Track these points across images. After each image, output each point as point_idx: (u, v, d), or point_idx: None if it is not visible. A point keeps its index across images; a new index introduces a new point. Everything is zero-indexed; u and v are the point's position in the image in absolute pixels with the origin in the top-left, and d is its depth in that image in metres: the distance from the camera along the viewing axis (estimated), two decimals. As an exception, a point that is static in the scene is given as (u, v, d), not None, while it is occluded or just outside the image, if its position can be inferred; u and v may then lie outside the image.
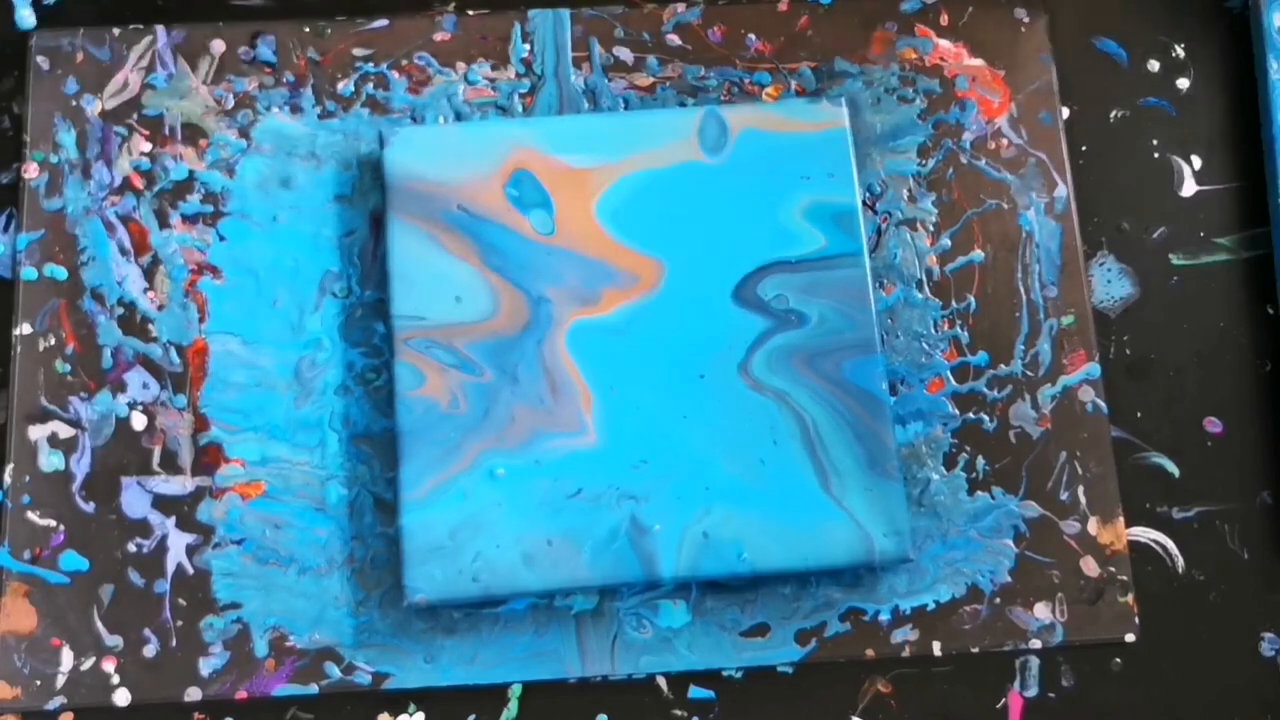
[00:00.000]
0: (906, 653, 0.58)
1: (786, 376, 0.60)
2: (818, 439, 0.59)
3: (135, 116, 0.64)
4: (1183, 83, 0.68)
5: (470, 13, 0.66)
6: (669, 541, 0.57)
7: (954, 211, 0.64)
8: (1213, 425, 0.63)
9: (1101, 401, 0.62)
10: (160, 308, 0.61)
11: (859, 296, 0.61)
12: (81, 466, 0.60)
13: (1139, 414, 0.63)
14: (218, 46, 0.65)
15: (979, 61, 0.66)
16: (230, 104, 0.64)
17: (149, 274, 0.62)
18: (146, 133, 0.64)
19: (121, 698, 0.57)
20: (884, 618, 0.59)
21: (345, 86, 0.65)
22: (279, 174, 0.63)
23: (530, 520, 0.57)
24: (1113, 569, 0.60)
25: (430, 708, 0.58)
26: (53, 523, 0.59)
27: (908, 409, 0.61)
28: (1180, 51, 0.68)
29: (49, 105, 0.64)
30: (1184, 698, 0.60)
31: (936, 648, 0.59)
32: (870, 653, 0.58)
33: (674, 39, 0.66)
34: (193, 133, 0.64)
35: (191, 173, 0.63)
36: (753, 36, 0.66)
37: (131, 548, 0.59)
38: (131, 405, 0.60)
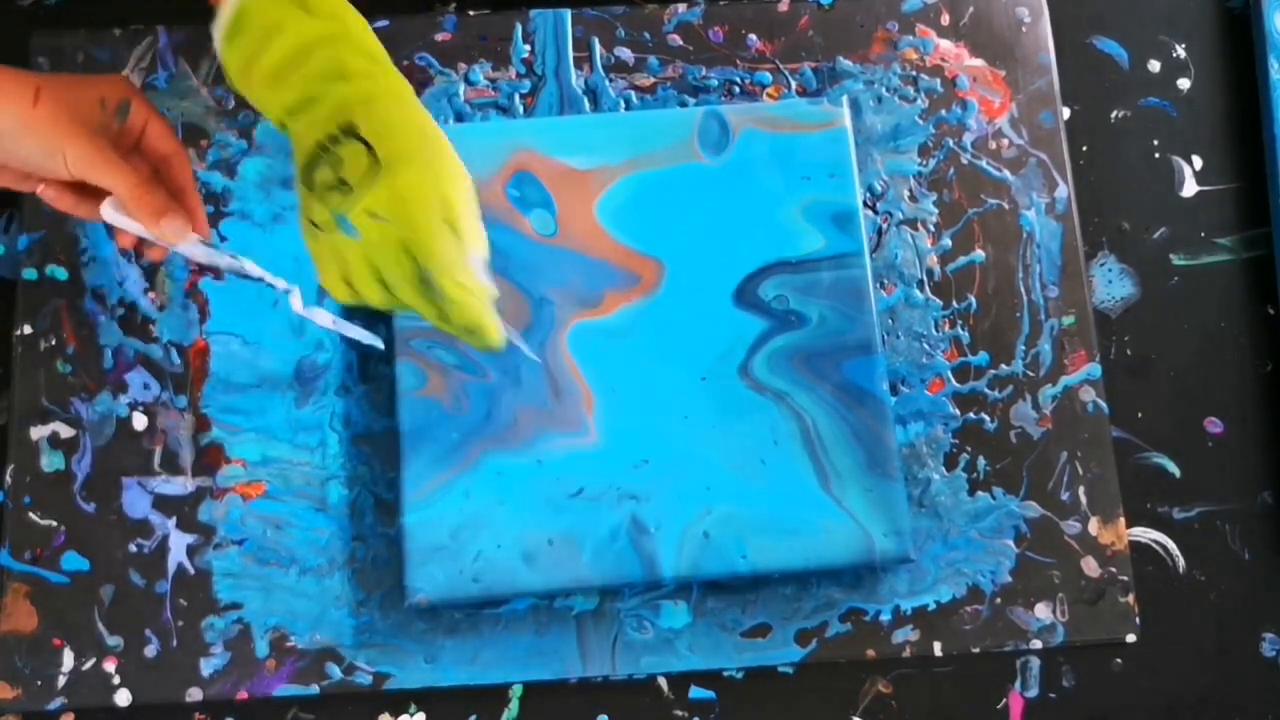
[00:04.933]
0: (907, 653, 0.58)
1: (787, 377, 0.60)
2: (818, 439, 0.59)
3: (136, 117, 0.64)
4: (1183, 83, 0.68)
5: (471, 13, 0.66)
6: (670, 542, 0.57)
7: (955, 211, 0.64)
8: (1213, 425, 0.63)
9: (1102, 401, 0.62)
10: (161, 308, 0.61)
11: (859, 297, 0.61)
12: (82, 467, 0.60)
13: (1139, 414, 0.63)
14: (218, 47, 0.65)
15: (979, 61, 0.66)
16: (231, 104, 0.64)
17: (150, 274, 0.62)
18: (147, 133, 0.64)
19: (122, 698, 0.57)
20: (885, 618, 0.59)
21: (346, 87, 0.65)
22: (280, 174, 0.63)
23: (531, 520, 0.57)
24: (1113, 569, 0.60)
25: (431, 708, 0.58)
26: (54, 523, 0.59)
27: (908, 409, 0.61)
28: (1180, 51, 0.68)
29: (49, 105, 0.64)
30: (1184, 698, 0.60)
31: (937, 648, 0.59)
32: (871, 653, 0.58)
33: (675, 39, 0.66)
34: (194, 133, 0.64)
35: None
36: (753, 37, 0.66)
37: (132, 548, 0.59)
38: (132, 406, 0.60)
